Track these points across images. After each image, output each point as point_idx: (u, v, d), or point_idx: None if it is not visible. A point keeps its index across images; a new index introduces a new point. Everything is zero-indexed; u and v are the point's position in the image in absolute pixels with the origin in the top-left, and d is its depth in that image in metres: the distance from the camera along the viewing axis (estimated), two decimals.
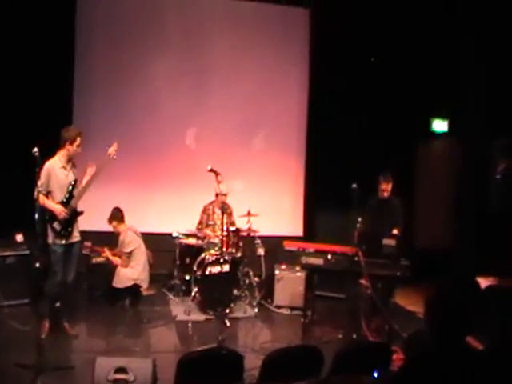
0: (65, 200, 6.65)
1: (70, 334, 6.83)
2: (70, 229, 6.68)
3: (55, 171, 6.60)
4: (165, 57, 9.79)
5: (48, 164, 6.53)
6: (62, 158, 6.67)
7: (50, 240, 6.60)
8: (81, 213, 6.82)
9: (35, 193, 6.09)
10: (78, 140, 6.63)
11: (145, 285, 8.25)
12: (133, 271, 8.13)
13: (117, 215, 8.32)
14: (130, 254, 8.15)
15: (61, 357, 6.18)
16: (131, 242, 8.18)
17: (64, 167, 6.67)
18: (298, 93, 10.46)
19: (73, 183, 6.71)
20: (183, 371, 3.97)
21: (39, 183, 6.19)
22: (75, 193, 6.71)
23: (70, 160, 6.75)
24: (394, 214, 7.73)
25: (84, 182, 6.77)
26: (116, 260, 8.22)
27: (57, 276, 6.61)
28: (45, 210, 6.49)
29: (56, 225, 6.59)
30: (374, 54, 9.74)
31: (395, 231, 7.51)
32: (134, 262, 8.16)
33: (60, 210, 6.56)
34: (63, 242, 6.62)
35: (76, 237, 6.82)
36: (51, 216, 6.57)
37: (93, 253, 8.39)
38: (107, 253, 8.30)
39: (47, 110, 8.40)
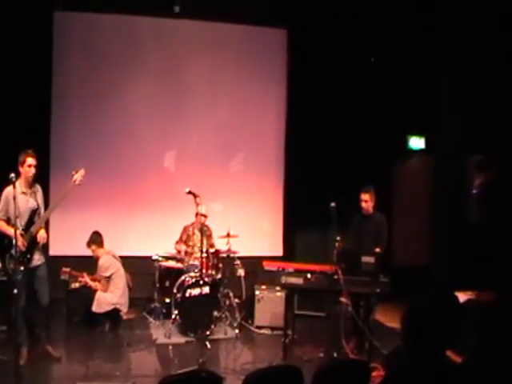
0: (24, 227, 6.54)
1: (53, 356, 6.79)
2: (28, 255, 6.57)
3: (15, 197, 6.23)
4: (142, 80, 9.81)
5: (6, 190, 6.45)
6: (22, 182, 6.55)
7: (10, 267, 6.47)
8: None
9: None
10: (28, 160, 6.52)
11: (124, 309, 8.18)
12: (112, 295, 8.06)
13: (96, 239, 8.26)
14: (109, 278, 8.09)
15: None
16: (110, 266, 8.12)
17: (24, 192, 6.58)
18: (276, 113, 10.51)
19: (34, 209, 6.63)
20: None
21: None
22: (36, 219, 6.63)
23: (30, 184, 6.65)
24: (377, 230, 7.73)
25: (46, 213, 6.71)
26: (95, 285, 8.14)
27: (18, 302, 6.28)
28: (3, 236, 6.45)
29: (14, 251, 6.30)
30: (351, 73, 9.79)
31: (377, 249, 7.52)
32: (114, 286, 8.10)
33: (20, 241, 6.38)
34: (22, 268, 6.45)
35: (38, 260, 6.70)
36: (9, 242, 6.42)
37: (71, 278, 8.30)
38: (86, 278, 8.23)
39: (24, 136, 8.32)
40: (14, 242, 6.26)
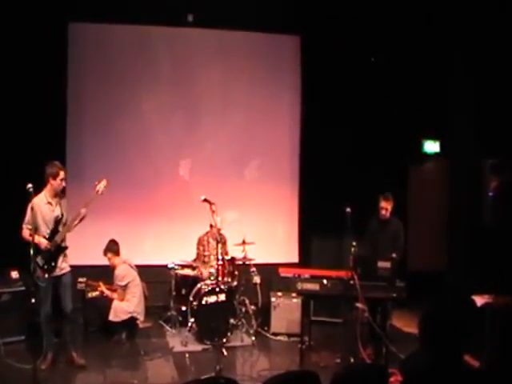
0: (49, 235, 6.73)
1: (77, 363, 6.90)
2: (53, 263, 6.74)
3: (40, 207, 6.70)
4: (156, 89, 9.85)
5: (33, 200, 6.58)
6: (48, 193, 6.79)
7: (36, 274, 6.58)
8: (65, 248, 6.88)
9: (23, 228, 6.56)
10: (61, 174, 6.76)
11: (141, 317, 8.20)
12: (129, 304, 8.08)
13: (112, 247, 8.30)
14: (125, 287, 8.11)
15: None
16: (126, 275, 8.15)
17: (50, 203, 6.79)
18: (291, 120, 10.50)
19: (58, 218, 6.79)
20: None
21: (26, 219, 6.59)
22: (60, 228, 6.79)
23: (56, 195, 6.85)
24: (395, 235, 7.71)
25: (71, 220, 6.83)
26: (111, 294, 8.17)
27: (43, 308, 6.67)
28: (30, 245, 6.50)
29: (39, 259, 6.64)
30: (364, 78, 9.78)
31: (394, 255, 7.49)
32: (130, 294, 8.12)
33: (43, 242, 6.63)
34: (46, 276, 6.66)
35: (63, 268, 6.86)
36: (36, 250, 6.53)
37: (88, 287, 8.34)
38: (102, 287, 8.25)
39: (40, 147, 8.42)
40: (39, 250, 6.52)
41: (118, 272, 8.16)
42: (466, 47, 8.80)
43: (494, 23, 8.16)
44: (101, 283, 8.28)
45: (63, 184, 6.80)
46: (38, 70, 8.66)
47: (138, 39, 9.80)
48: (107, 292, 8.20)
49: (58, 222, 6.79)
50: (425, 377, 3.08)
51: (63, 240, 6.85)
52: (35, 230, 6.56)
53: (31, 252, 6.49)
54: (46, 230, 6.73)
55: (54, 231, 6.76)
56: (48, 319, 6.76)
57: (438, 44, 9.13)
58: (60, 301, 6.82)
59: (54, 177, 6.72)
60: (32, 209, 6.54)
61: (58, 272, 6.80)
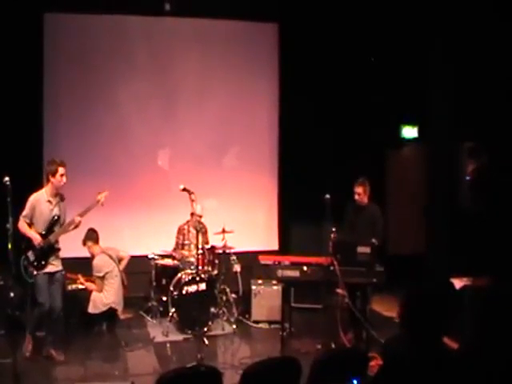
0: (44, 233, 6.70)
1: (56, 359, 6.83)
2: (43, 262, 6.70)
3: (40, 204, 6.69)
4: (133, 78, 9.76)
5: (34, 196, 6.65)
6: (48, 191, 6.75)
7: (23, 269, 6.60)
8: (58, 249, 6.84)
9: (20, 219, 6.53)
10: (60, 170, 6.67)
11: (120, 308, 8.15)
12: (107, 295, 8.03)
13: (91, 236, 8.23)
14: (102, 277, 8.05)
15: None
16: (104, 265, 8.09)
17: (49, 201, 6.75)
18: (269, 108, 10.49)
19: (56, 218, 6.75)
20: None
21: (24, 213, 6.58)
22: (56, 228, 6.75)
23: (57, 193, 6.81)
24: (373, 221, 7.72)
25: (66, 224, 6.83)
26: (90, 286, 8.12)
27: (42, 305, 6.67)
28: (21, 239, 6.58)
29: (30, 254, 6.62)
30: (342, 65, 9.77)
31: (374, 240, 7.52)
32: (108, 285, 8.07)
33: (37, 238, 6.61)
34: (34, 272, 6.62)
35: (57, 266, 6.85)
36: (27, 245, 6.61)
37: (67, 280, 8.27)
38: (81, 279, 8.20)
39: (17, 139, 8.35)
40: (30, 245, 6.59)
41: (95, 262, 8.11)
42: (446, 33, 8.82)
43: (474, 10, 8.18)
44: (79, 275, 8.23)
45: (64, 180, 6.71)
46: (13, 61, 8.58)
47: (115, 29, 9.72)
48: (86, 284, 8.15)
49: (54, 221, 6.74)
50: (405, 359, 3.10)
51: (57, 241, 6.81)
52: (30, 225, 6.62)
53: (22, 245, 6.62)
54: (41, 228, 6.69)
55: (50, 230, 6.72)
56: (46, 314, 6.72)
57: (418, 30, 9.14)
58: (49, 297, 6.75)
59: (54, 174, 6.66)
60: (31, 204, 6.56)
61: (50, 269, 6.76)
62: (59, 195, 6.84)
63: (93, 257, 8.18)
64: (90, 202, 7.01)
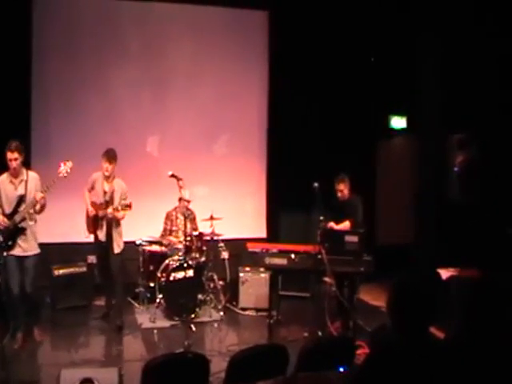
0: (9, 213, 6.69)
1: (36, 340, 6.88)
2: (10, 242, 6.68)
3: (4, 186, 6.73)
4: (124, 64, 9.66)
5: None
6: (9, 172, 6.76)
7: None
8: (23, 228, 6.76)
9: None
10: (8, 155, 6.63)
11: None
12: None
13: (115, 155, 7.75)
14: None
15: (25, 371, 6.06)
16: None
17: (11, 181, 6.75)
18: (259, 96, 10.44)
19: (20, 198, 6.71)
20: (149, 377, 3.93)
21: None
22: (21, 208, 6.71)
23: (17, 174, 6.76)
24: (353, 212, 7.75)
25: (28, 204, 6.73)
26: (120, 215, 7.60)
27: (11, 289, 6.67)
28: None
29: None
30: (332, 54, 9.75)
31: (347, 222, 7.56)
32: None
33: (2, 219, 6.63)
34: (4, 253, 6.60)
35: (27, 250, 6.79)
36: None
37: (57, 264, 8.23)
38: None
39: (4, 124, 8.25)
40: None
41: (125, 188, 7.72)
42: (433, 21, 8.83)
43: (462, 2, 8.20)
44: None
45: (13, 165, 6.65)
46: (0, 45, 8.45)
47: (106, 14, 9.59)
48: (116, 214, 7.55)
49: (19, 201, 6.71)
50: (391, 348, 3.12)
51: (23, 220, 6.74)
52: None
53: None
54: (8, 209, 6.70)
55: (15, 210, 6.70)
56: (16, 300, 6.70)
57: (406, 19, 9.14)
58: (19, 282, 6.75)
59: (5, 156, 6.69)
60: None
61: (20, 252, 6.74)
62: (22, 174, 6.78)
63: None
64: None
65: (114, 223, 7.60)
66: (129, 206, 7.37)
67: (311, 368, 3.92)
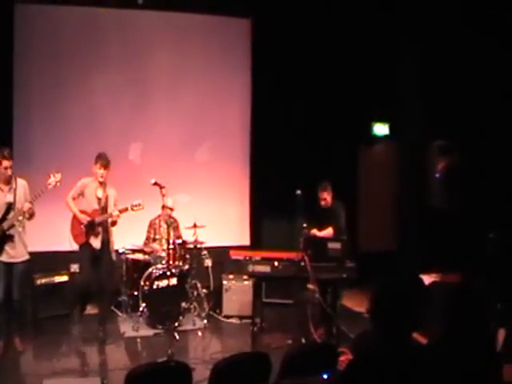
0: None
1: (18, 350, 6.82)
2: None
3: None
4: (105, 72, 9.63)
5: None
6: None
7: None
8: (11, 236, 6.72)
9: None
10: (4, 163, 6.60)
11: None
12: None
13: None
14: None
15: (7, 382, 6.01)
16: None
17: (1, 188, 6.71)
18: (241, 103, 10.45)
19: (9, 205, 6.69)
20: None
21: None
22: (9, 216, 6.68)
23: (7, 182, 6.74)
24: (336, 218, 7.80)
25: (15, 213, 6.71)
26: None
27: None
28: None
29: None
30: (314, 61, 9.79)
31: (330, 229, 7.59)
32: None
33: None
34: None
35: (16, 257, 6.76)
36: None
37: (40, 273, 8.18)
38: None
39: None
40: None
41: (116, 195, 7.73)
42: (415, 27, 8.90)
43: (441, 7, 8.26)
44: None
45: (8, 172, 6.65)
46: None
47: (87, 21, 9.54)
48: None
49: (7, 209, 6.68)
50: (374, 354, 3.12)
51: (12, 227, 6.70)
52: None
53: None
54: None
55: (3, 218, 6.66)
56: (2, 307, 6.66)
57: (387, 25, 9.20)
58: (5, 289, 6.71)
59: None
60: None
61: (7, 258, 6.70)
62: (12, 182, 6.76)
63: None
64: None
65: (111, 230, 7.59)
66: (140, 206, 7.52)
67: (294, 375, 3.91)
